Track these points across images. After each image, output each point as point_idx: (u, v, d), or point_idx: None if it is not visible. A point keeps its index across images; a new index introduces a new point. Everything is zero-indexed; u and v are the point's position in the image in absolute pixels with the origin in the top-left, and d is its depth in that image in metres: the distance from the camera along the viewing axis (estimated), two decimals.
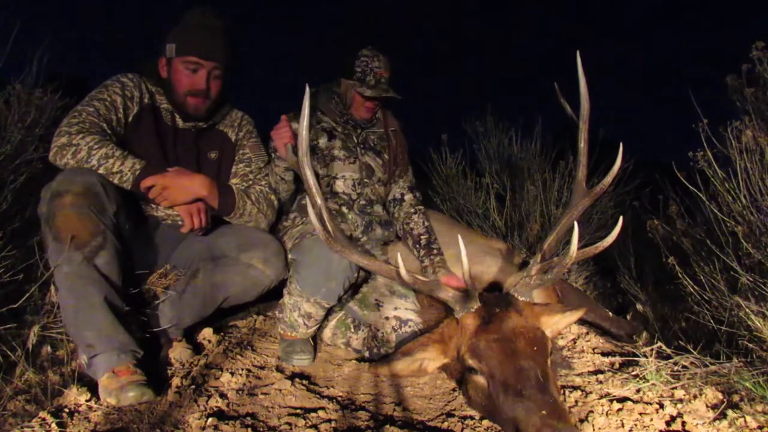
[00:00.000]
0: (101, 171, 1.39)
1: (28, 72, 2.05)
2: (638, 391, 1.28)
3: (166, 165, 1.55)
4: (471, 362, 1.24)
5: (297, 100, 1.37)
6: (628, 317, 1.95)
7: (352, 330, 1.71)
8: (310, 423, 1.19)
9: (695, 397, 1.22)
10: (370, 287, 1.74)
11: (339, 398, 1.35)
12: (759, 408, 1.14)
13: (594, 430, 1.13)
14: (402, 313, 1.62)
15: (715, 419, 1.11)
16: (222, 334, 1.81)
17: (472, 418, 1.24)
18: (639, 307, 1.93)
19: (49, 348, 1.39)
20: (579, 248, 1.29)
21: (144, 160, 1.47)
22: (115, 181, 1.41)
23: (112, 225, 1.35)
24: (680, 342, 1.51)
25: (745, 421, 1.09)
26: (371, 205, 1.95)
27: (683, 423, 1.12)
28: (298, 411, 1.25)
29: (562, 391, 1.32)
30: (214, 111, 1.70)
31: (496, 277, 1.74)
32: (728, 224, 1.49)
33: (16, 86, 2.00)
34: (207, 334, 1.74)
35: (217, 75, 1.61)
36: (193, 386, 1.33)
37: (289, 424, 1.19)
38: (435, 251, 1.81)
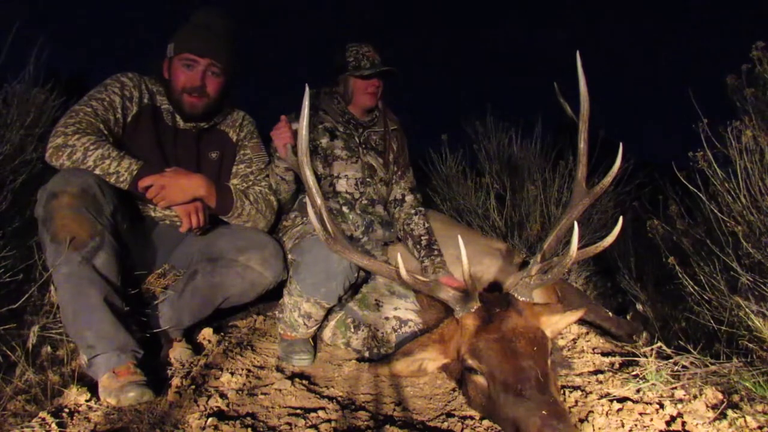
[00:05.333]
0: (97, 172, 1.39)
1: (27, 72, 2.05)
2: (638, 391, 1.28)
3: (165, 165, 1.55)
4: (471, 362, 1.24)
5: (297, 100, 1.37)
6: (628, 317, 1.95)
7: (352, 330, 1.70)
8: (310, 423, 1.19)
9: (695, 397, 1.22)
10: (370, 287, 1.74)
11: (339, 398, 1.35)
12: (759, 408, 1.14)
13: (594, 430, 1.13)
14: (402, 313, 1.62)
15: (715, 419, 1.11)
16: (222, 334, 1.81)
17: (472, 418, 1.24)
18: (639, 307, 1.93)
19: (49, 348, 1.39)
20: (579, 248, 1.29)
21: (141, 160, 1.47)
22: (112, 182, 1.41)
23: (110, 225, 1.35)
24: (680, 342, 1.51)
25: (745, 421, 1.09)
26: (373, 205, 1.95)
27: (683, 423, 1.12)
28: (298, 411, 1.25)
29: (562, 391, 1.32)
30: (214, 110, 1.69)
31: (496, 277, 1.74)
32: (728, 224, 1.49)
33: (15, 86, 1.99)
34: (207, 334, 1.74)
35: (214, 72, 1.60)
36: (193, 386, 1.33)
37: (289, 424, 1.19)
38: (435, 252, 1.82)
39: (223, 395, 1.30)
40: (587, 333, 1.84)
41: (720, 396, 1.21)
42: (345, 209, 1.89)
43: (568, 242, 1.30)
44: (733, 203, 1.51)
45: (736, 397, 1.20)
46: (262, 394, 1.35)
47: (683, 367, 1.37)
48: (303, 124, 1.37)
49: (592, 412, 1.20)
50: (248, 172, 1.75)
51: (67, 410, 1.17)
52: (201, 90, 1.59)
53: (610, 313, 1.91)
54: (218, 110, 1.71)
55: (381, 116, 2.05)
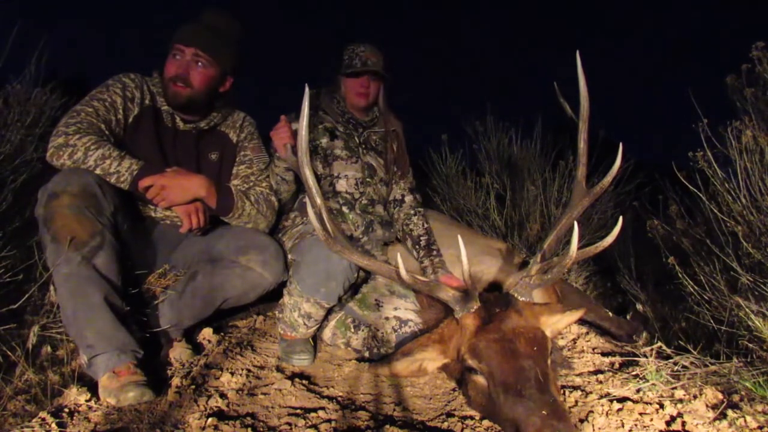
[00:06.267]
0: (98, 172, 1.39)
1: (27, 72, 2.05)
2: (638, 391, 1.28)
3: (165, 167, 1.54)
4: (471, 362, 1.24)
5: (297, 100, 1.37)
6: (628, 317, 1.95)
7: (352, 330, 1.71)
8: (310, 423, 1.19)
9: (695, 397, 1.22)
10: (370, 287, 1.74)
11: (339, 398, 1.35)
12: (759, 408, 1.14)
13: (594, 430, 1.13)
14: (402, 313, 1.62)
15: (715, 419, 1.12)
16: (222, 334, 1.81)
17: (472, 418, 1.24)
18: (639, 307, 1.93)
19: (49, 348, 1.39)
20: (579, 248, 1.29)
21: (142, 160, 1.47)
22: (112, 182, 1.41)
23: (110, 225, 1.35)
24: (680, 342, 1.51)
25: (745, 421, 1.09)
26: (373, 205, 1.95)
27: (683, 423, 1.12)
28: (298, 411, 1.25)
29: (562, 391, 1.32)
30: (201, 104, 1.65)
31: (496, 277, 1.74)
32: (728, 224, 1.49)
33: (15, 86, 2.00)
34: (207, 334, 1.74)
35: (201, 63, 1.58)
36: (193, 386, 1.33)
37: (289, 424, 1.19)
38: (434, 252, 1.82)
39: (223, 395, 1.30)
40: (587, 333, 1.84)
41: (720, 396, 1.21)
42: (345, 209, 1.89)
43: (568, 242, 1.30)
44: (733, 203, 1.51)
45: (736, 397, 1.20)
46: (262, 394, 1.35)
47: (683, 367, 1.37)
48: (303, 124, 1.37)
49: (592, 412, 1.20)
50: (249, 173, 1.75)
51: (67, 410, 1.17)
52: (185, 79, 1.57)
53: (610, 313, 1.91)
54: (207, 105, 1.68)
55: (382, 117, 2.05)
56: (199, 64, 1.59)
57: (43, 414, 1.12)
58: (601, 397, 1.27)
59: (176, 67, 1.57)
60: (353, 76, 1.90)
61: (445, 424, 1.22)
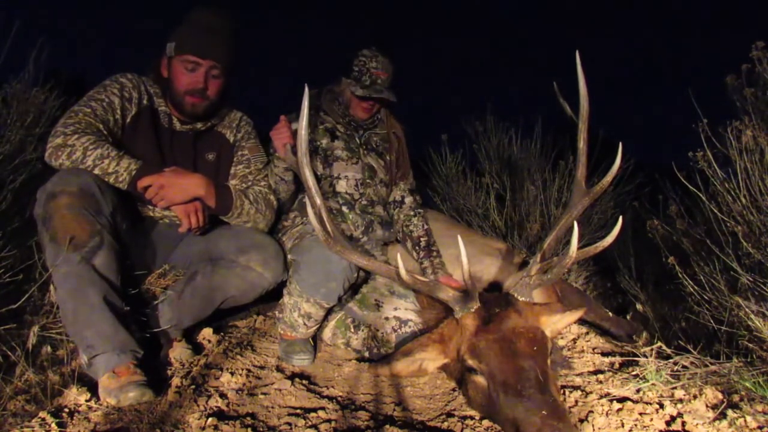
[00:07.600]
0: (96, 171, 1.39)
1: (26, 71, 2.05)
2: (638, 391, 1.28)
3: (163, 167, 1.54)
4: (471, 362, 1.24)
5: (298, 100, 1.37)
6: (628, 317, 1.95)
7: (352, 330, 1.70)
8: (310, 423, 1.19)
9: (695, 397, 1.22)
10: (370, 287, 1.74)
11: (339, 398, 1.35)
12: (759, 408, 1.14)
13: (594, 430, 1.14)
14: (402, 313, 1.62)
15: (715, 419, 1.12)
16: (222, 334, 1.81)
17: (472, 418, 1.24)
18: (639, 307, 1.93)
19: (49, 348, 1.39)
20: (579, 248, 1.29)
21: (140, 160, 1.47)
22: (111, 182, 1.41)
23: (109, 225, 1.35)
24: (680, 342, 1.51)
25: (745, 421, 1.09)
26: (373, 206, 1.95)
27: (683, 423, 1.12)
28: (298, 411, 1.25)
29: (562, 391, 1.32)
30: (213, 111, 1.69)
31: (495, 277, 1.74)
32: (728, 224, 1.49)
33: (15, 86, 1.99)
34: (207, 334, 1.74)
35: (215, 74, 1.60)
36: (193, 386, 1.33)
37: (289, 424, 1.19)
38: (434, 253, 1.82)
39: (223, 395, 1.30)
40: (587, 333, 1.84)
41: (720, 396, 1.21)
42: (345, 209, 1.89)
43: (568, 242, 1.30)
44: (733, 203, 1.51)
45: (736, 397, 1.20)
46: (262, 394, 1.35)
47: (683, 367, 1.37)
48: (302, 125, 1.37)
49: (592, 412, 1.20)
50: (247, 172, 1.74)
51: (67, 410, 1.17)
52: (203, 92, 1.59)
53: (610, 313, 1.91)
54: (217, 111, 1.71)
55: (384, 119, 2.05)
56: (214, 75, 1.60)
57: (43, 414, 1.12)
58: (601, 397, 1.27)
59: (192, 80, 1.57)
60: (358, 98, 1.88)
61: (445, 424, 1.22)
